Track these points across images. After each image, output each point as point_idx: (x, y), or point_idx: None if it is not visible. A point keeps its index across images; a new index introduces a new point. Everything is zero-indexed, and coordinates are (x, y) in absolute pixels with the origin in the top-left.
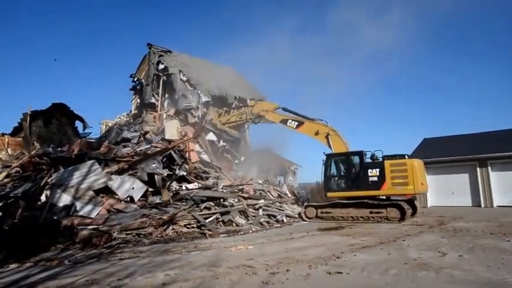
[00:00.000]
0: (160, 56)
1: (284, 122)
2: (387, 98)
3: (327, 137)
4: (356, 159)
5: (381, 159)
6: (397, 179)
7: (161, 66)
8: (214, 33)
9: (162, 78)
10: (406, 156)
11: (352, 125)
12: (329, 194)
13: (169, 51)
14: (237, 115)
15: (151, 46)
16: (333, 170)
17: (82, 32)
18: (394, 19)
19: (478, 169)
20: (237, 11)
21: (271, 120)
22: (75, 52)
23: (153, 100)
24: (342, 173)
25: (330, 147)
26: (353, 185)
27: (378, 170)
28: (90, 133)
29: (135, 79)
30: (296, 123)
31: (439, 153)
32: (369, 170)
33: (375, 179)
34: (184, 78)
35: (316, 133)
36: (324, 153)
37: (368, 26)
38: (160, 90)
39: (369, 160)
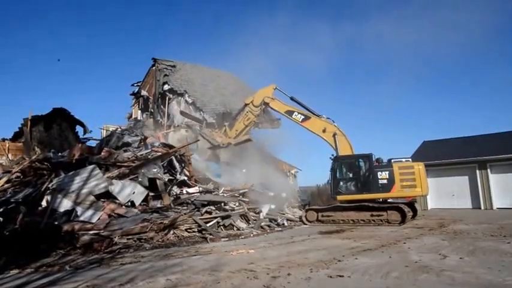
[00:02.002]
0: (166, 75)
1: (289, 113)
2: (386, 100)
3: (334, 136)
4: (365, 162)
5: (385, 163)
6: (406, 181)
7: (166, 87)
8: (213, 32)
9: (167, 97)
10: (410, 160)
11: (349, 126)
12: (339, 197)
13: (174, 66)
14: (242, 120)
15: (156, 60)
16: (342, 173)
17: (82, 35)
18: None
19: (477, 171)
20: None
21: (276, 110)
22: (75, 55)
23: (157, 118)
24: (351, 176)
25: (335, 147)
26: (363, 188)
27: (387, 173)
28: (92, 137)
29: (140, 92)
30: (302, 116)
31: (438, 155)
32: (379, 173)
33: (385, 181)
34: (190, 101)
35: (324, 131)
36: (332, 155)
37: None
38: (166, 110)
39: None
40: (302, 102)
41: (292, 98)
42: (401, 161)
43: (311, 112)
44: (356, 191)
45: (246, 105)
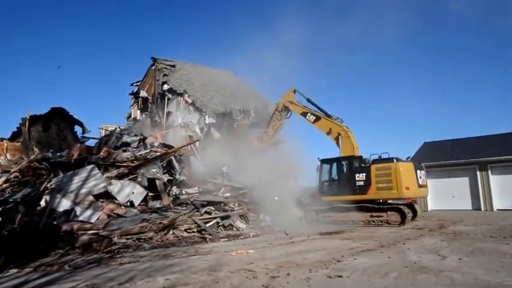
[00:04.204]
0: (165, 75)
1: (304, 114)
2: (393, 100)
3: (337, 137)
4: (346, 164)
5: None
6: (382, 183)
7: (166, 87)
8: (213, 32)
9: (166, 97)
10: (395, 160)
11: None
12: (323, 198)
13: (174, 66)
14: (271, 126)
15: (155, 60)
16: (326, 175)
17: (80, 35)
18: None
19: (478, 173)
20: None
21: (295, 112)
22: (74, 54)
23: (156, 118)
24: (334, 178)
25: (339, 148)
26: (343, 189)
27: (364, 174)
28: (91, 137)
29: (139, 92)
30: (314, 117)
31: (439, 156)
32: (357, 175)
33: (362, 183)
34: (190, 101)
35: (329, 131)
36: (318, 158)
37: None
38: (165, 110)
39: (363, 165)
40: (317, 104)
41: (308, 100)
42: (382, 162)
43: (323, 113)
44: (337, 193)
45: (274, 112)
